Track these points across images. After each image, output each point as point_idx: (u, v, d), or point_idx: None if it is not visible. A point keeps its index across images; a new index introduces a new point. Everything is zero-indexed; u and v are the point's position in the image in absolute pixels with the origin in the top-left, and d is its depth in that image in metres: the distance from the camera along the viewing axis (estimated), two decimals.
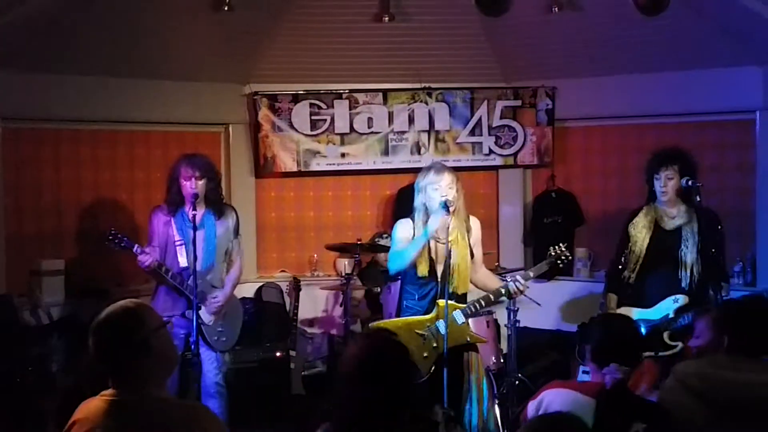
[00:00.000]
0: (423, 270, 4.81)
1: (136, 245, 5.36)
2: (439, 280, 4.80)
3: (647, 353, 4.87)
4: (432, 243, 4.80)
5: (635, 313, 5.11)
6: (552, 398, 3.28)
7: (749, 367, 3.13)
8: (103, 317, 2.65)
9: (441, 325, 4.66)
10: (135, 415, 2.56)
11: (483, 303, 4.84)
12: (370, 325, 5.10)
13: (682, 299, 5.10)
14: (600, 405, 3.14)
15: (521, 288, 4.82)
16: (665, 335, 5.05)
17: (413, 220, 4.89)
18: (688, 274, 5.20)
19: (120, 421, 2.54)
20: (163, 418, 2.56)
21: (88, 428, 2.53)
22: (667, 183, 5.24)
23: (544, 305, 6.84)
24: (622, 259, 5.40)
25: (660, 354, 4.94)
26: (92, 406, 2.59)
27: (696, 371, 3.19)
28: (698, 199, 5.12)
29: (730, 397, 3.06)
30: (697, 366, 3.24)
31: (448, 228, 4.64)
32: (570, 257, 5.07)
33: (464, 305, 4.82)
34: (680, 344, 4.92)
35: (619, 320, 3.81)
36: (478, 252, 5.03)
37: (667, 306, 5.13)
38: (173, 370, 2.88)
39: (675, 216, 5.31)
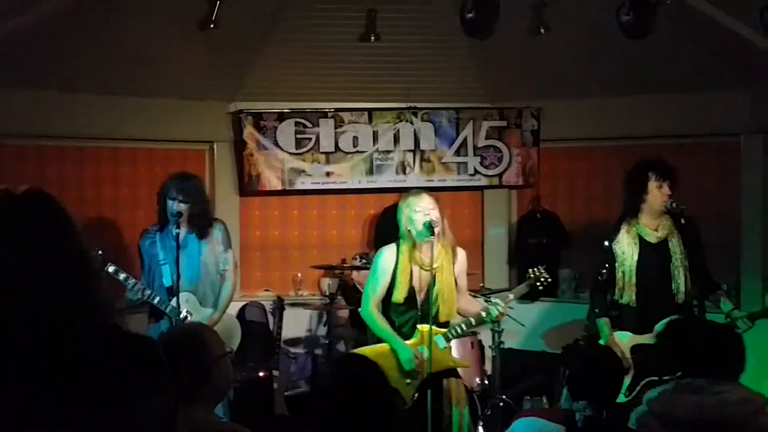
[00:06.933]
0: (399, 296, 4.75)
1: (125, 276, 5.18)
2: (419, 307, 4.74)
3: (650, 378, 4.84)
4: (415, 270, 4.74)
5: (632, 338, 5.02)
6: (520, 427, 3.27)
7: (707, 389, 3.14)
8: (170, 339, 2.65)
9: (424, 350, 4.62)
10: None
11: (464, 327, 4.81)
12: (353, 351, 5.05)
13: None
14: None
15: (502, 311, 4.78)
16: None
17: (398, 247, 4.81)
18: (682, 287, 5.07)
19: None
20: None
21: None
22: (666, 192, 5.09)
23: (529, 326, 6.82)
24: (600, 276, 5.22)
25: (664, 378, 4.85)
26: None
27: (659, 395, 3.23)
28: (682, 221, 5.09)
29: (691, 419, 3.08)
30: (661, 391, 3.28)
31: (433, 253, 4.60)
32: (549, 279, 4.98)
33: (445, 330, 4.76)
34: None
35: (605, 356, 3.70)
36: (463, 282, 4.98)
37: None
38: (224, 397, 2.90)
39: (657, 228, 5.19)
